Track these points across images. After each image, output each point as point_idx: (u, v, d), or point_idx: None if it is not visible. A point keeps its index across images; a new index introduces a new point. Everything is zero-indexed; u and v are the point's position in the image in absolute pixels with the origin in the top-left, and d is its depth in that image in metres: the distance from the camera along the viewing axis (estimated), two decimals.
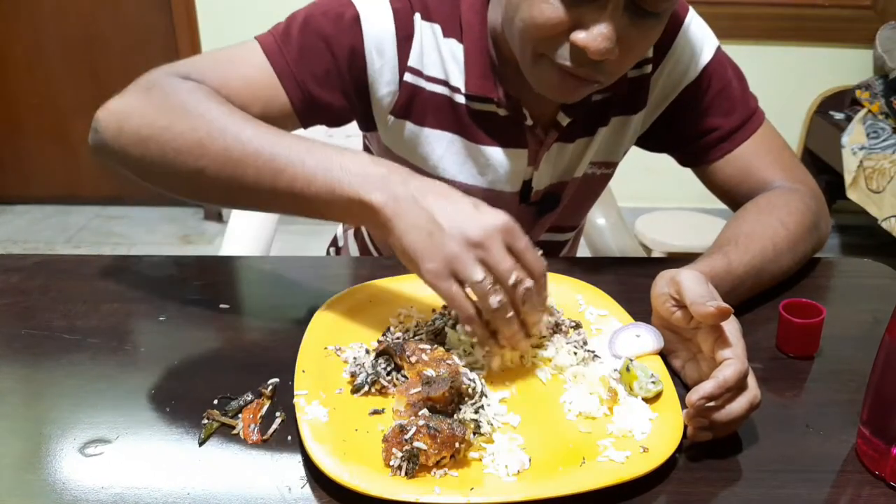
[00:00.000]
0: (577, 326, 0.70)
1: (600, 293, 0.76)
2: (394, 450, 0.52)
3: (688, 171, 0.95)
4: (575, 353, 0.66)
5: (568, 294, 0.76)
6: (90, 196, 3.01)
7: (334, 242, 1.23)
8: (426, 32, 0.80)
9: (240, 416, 0.59)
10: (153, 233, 2.84)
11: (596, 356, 0.66)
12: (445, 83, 0.82)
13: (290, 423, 0.58)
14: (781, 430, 0.61)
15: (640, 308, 0.72)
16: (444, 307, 0.69)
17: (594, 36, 0.66)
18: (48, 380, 0.64)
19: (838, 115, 2.77)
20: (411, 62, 0.81)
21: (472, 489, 0.51)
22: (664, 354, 0.67)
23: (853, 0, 2.70)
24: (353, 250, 1.12)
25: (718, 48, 0.88)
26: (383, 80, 0.81)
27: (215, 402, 0.61)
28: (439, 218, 0.59)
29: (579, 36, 0.67)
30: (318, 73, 0.78)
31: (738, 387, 0.56)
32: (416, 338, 0.66)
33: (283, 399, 0.61)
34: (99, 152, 0.73)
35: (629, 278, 0.85)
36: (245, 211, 1.20)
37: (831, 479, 0.56)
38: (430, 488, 0.50)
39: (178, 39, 2.73)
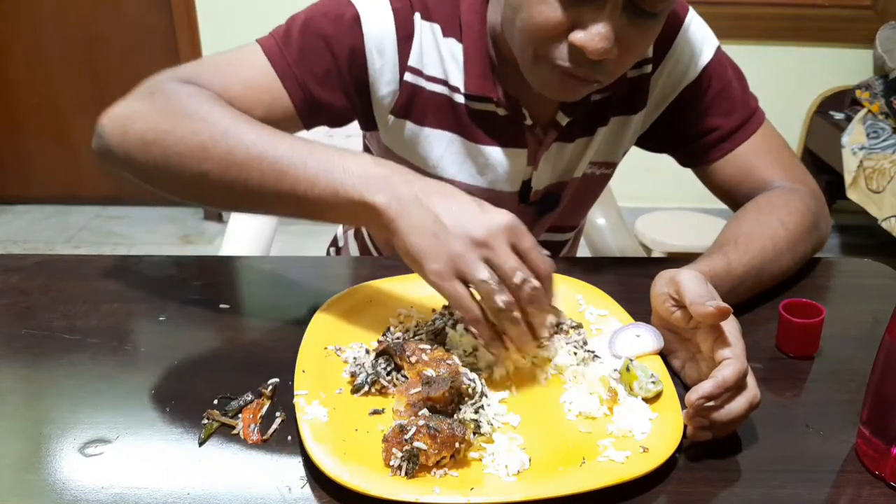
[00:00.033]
0: (578, 326, 0.70)
1: (600, 293, 0.76)
2: (394, 450, 0.52)
3: (688, 171, 0.95)
4: (575, 353, 0.66)
5: (568, 294, 0.76)
6: (90, 196, 3.01)
7: (334, 242, 1.23)
8: (426, 32, 0.80)
9: (240, 416, 0.59)
10: (153, 233, 2.84)
11: (596, 356, 0.66)
12: (445, 83, 0.82)
13: (290, 423, 0.58)
14: (781, 430, 0.61)
15: (640, 308, 0.72)
16: (445, 307, 0.69)
17: (592, 36, 0.67)
18: (48, 380, 0.64)
19: (838, 115, 2.77)
20: (411, 62, 0.81)
21: (472, 489, 0.51)
22: (664, 354, 0.67)
23: (853, 0, 2.70)
24: (353, 250, 1.12)
25: (718, 48, 0.88)
26: (384, 79, 0.81)
27: (215, 402, 0.61)
28: (443, 218, 0.59)
29: (577, 36, 0.67)
30: (319, 73, 0.78)
31: (738, 386, 0.56)
32: (416, 338, 0.66)
33: (283, 399, 0.61)
34: (103, 157, 0.72)
35: (629, 278, 0.85)
36: (248, 214, 1.20)
37: (831, 479, 0.56)
38: (430, 488, 0.50)
39: (178, 39, 2.73)
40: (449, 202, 0.60)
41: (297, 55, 0.77)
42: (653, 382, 0.61)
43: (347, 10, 0.78)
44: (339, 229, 1.21)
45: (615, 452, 0.55)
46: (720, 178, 0.90)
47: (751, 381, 0.58)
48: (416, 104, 0.83)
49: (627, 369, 0.62)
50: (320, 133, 0.86)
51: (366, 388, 0.61)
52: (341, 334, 0.68)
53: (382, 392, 0.61)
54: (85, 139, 3.00)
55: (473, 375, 0.60)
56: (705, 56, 0.87)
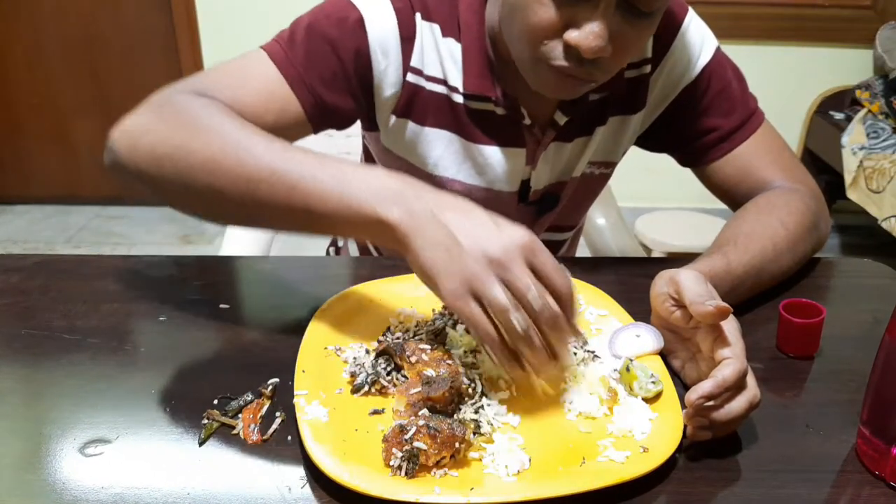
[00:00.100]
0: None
1: (600, 293, 0.76)
2: (394, 450, 0.52)
3: (688, 171, 0.95)
4: (575, 353, 0.66)
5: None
6: (90, 196, 3.01)
7: (334, 242, 1.23)
8: (426, 32, 0.80)
9: (240, 416, 0.59)
10: (153, 233, 2.84)
11: (596, 356, 0.66)
12: (444, 82, 0.82)
13: (290, 423, 0.58)
14: (781, 430, 0.61)
15: (640, 308, 0.72)
16: (445, 307, 0.69)
17: (586, 34, 0.67)
18: (48, 380, 0.64)
19: (838, 115, 2.78)
20: (413, 62, 0.81)
21: (472, 489, 0.51)
22: (664, 354, 0.67)
23: (853, 0, 2.70)
24: (353, 250, 1.12)
25: (718, 49, 0.88)
26: (388, 80, 0.81)
27: (215, 402, 0.61)
28: (458, 234, 0.56)
29: (572, 35, 0.68)
30: (327, 77, 0.77)
31: (738, 386, 0.56)
32: (416, 338, 0.66)
33: (283, 399, 0.61)
34: (114, 171, 0.71)
35: (629, 278, 0.85)
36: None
37: (831, 479, 0.56)
38: (430, 488, 0.50)
39: (178, 39, 2.74)
40: (463, 217, 0.58)
41: (303, 60, 0.76)
42: (653, 382, 0.61)
43: (351, 12, 0.78)
44: None
45: (615, 452, 0.55)
46: (720, 178, 0.90)
47: (751, 380, 0.58)
48: (417, 104, 0.83)
49: (627, 369, 0.62)
50: (321, 133, 0.85)
51: (366, 388, 0.61)
52: (341, 334, 0.68)
53: (382, 392, 0.61)
54: (85, 139, 3.02)
55: (473, 375, 0.61)
56: (704, 56, 0.87)
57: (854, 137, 2.55)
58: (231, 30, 2.70)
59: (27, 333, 0.70)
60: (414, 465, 0.52)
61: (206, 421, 0.59)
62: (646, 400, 0.61)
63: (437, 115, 0.84)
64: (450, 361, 0.61)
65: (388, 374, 0.62)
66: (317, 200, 0.61)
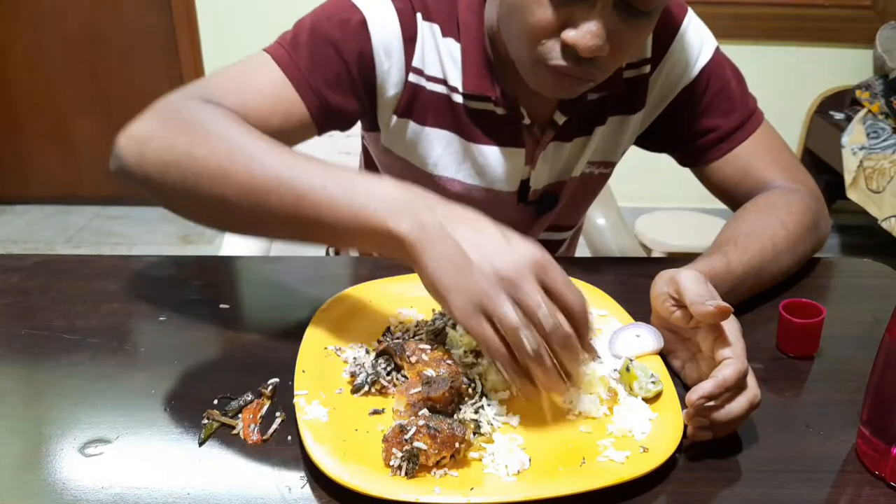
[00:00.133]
0: None
1: (600, 293, 0.76)
2: (394, 450, 0.52)
3: (688, 171, 0.95)
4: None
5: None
6: (90, 196, 3.01)
7: None
8: (427, 33, 0.80)
9: (240, 416, 0.59)
10: (153, 233, 2.84)
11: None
12: (444, 82, 0.82)
13: (290, 423, 0.58)
14: (781, 430, 0.61)
15: (640, 308, 0.72)
16: None
17: (583, 34, 0.67)
18: (48, 380, 0.64)
19: (838, 115, 2.78)
20: (415, 62, 0.81)
21: (472, 489, 0.51)
22: (663, 354, 0.67)
23: (853, 0, 2.70)
24: (353, 250, 1.12)
25: (717, 49, 0.88)
26: (391, 81, 0.81)
27: (215, 402, 0.61)
28: (468, 250, 0.55)
29: (569, 34, 0.68)
30: (331, 79, 0.77)
31: (738, 386, 0.56)
32: (416, 338, 0.66)
33: (283, 399, 0.61)
34: (121, 177, 0.70)
35: (629, 278, 0.85)
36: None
37: (831, 479, 0.56)
38: (430, 488, 0.50)
39: (178, 39, 2.74)
40: (473, 231, 0.56)
41: (308, 62, 0.76)
42: (653, 382, 0.61)
43: (353, 13, 0.78)
44: None
45: (615, 452, 0.55)
46: (719, 178, 0.90)
47: (751, 380, 0.58)
48: (418, 104, 0.83)
49: (627, 369, 0.62)
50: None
51: (366, 388, 0.61)
52: (341, 334, 0.67)
53: (382, 392, 0.61)
54: (85, 139, 3.02)
55: (473, 375, 0.61)
56: (703, 57, 0.87)
57: (854, 137, 2.55)
58: (231, 30, 2.70)
59: (27, 333, 0.70)
60: (414, 465, 0.52)
61: (206, 421, 0.59)
62: (646, 400, 0.61)
63: (438, 115, 0.84)
64: (450, 361, 0.61)
65: (388, 374, 0.62)
66: (326, 211, 0.60)
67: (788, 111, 2.84)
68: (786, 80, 2.80)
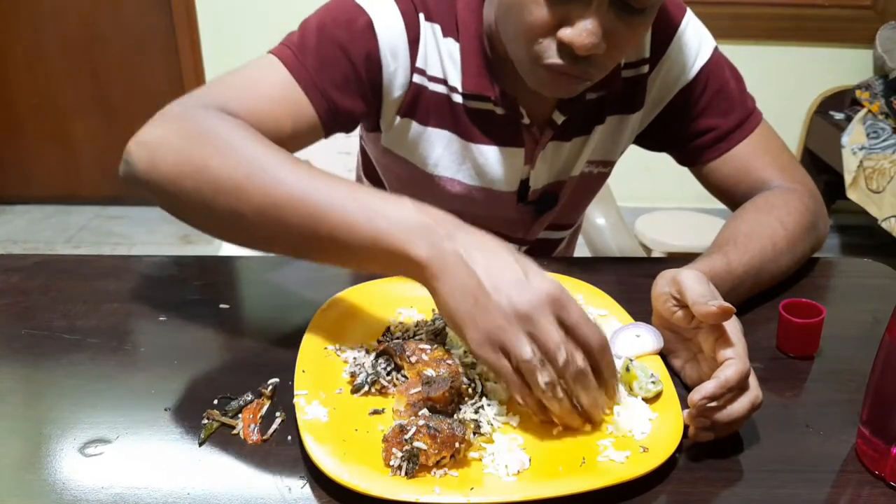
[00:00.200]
0: None
1: (600, 293, 0.76)
2: (394, 450, 0.52)
3: (688, 171, 0.95)
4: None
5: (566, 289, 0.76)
6: (90, 196, 3.01)
7: None
8: (428, 33, 0.80)
9: (240, 416, 0.59)
10: (153, 233, 2.84)
11: None
12: (444, 82, 0.82)
13: (290, 423, 0.58)
14: (781, 430, 0.61)
15: (640, 308, 0.72)
16: None
17: (579, 32, 0.67)
18: (48, 380, 0.64)
19: (838, 115, 2.78)
20: (418, 63, 0.81)
21: (472, 489, 0.51)
22: (664, 354, 0.67)
23: (853, 0, 2.70)
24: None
25: (715, 49, 0.88)
26: (397, 82, 0.81)
27: (215, 402, 0.61)
28: (485, 282, 0.55)
29: (565, 33, 0.68)
30: (339, 81, 0.77)
31: (740, 387, 0.56)
32: (416, 338, 0.66)
33: (283, 399, 0.61)
34: (129, 183, 0.69)
35: (629, 278, 0.85)
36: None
37: (831, 479, 0.56)
38: (430, 488, 0.50)
39: (178, 39, 2.74)
40: (491, 262, 0.56)
41: (316, 65, 0.76)
42: (653, 382, 0.61)
43: (359, 15, 0.78)
44: None
45: (615, 452, 0.55)
46: (718, 177, 0.90)
47: (753, 381, 0.58)
48: (421, 104, 0.83)
49: (627, 369, 0.62)
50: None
51: (366, 388, 0.61)
52: (341, 334, 0.67)
53: (382, 392, 0.61)
54: (85, 139, 3.01)
55: (473, 375, 0.61)
56: (702, 58, 0.87)
57: (854, 137, 2.55)
58: (231, 30, 2.70)
59: (27, 333, 0.70)
60: (414, 465, 0.52)
61: (206, 421, 0.58)
62: (646, 400, 0.61)
63: (438, 115, 0.84)
64: (450, 361, 0.61)
65: (388, 374, 0.62)
66: (344, 232, 0.60)
67: (788, 111, 2.84)
68: (786, 80, 2.80)
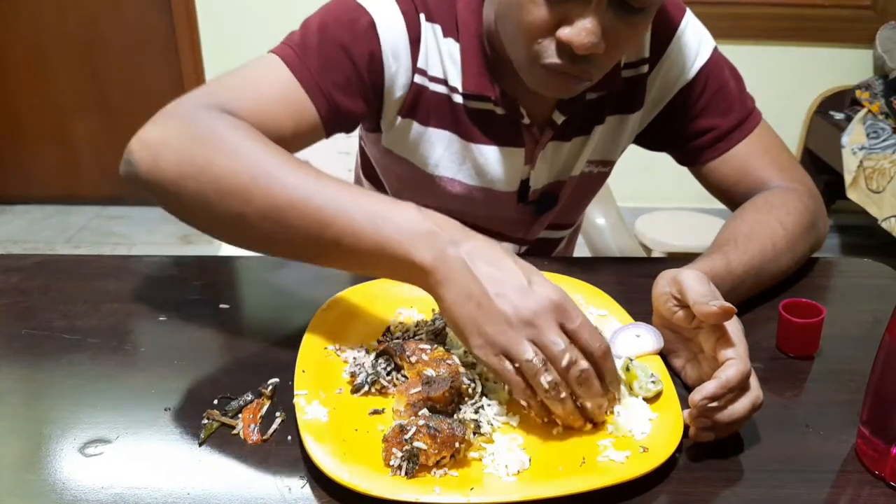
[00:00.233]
0: None
1: (600, 293, 0.76)
2: (394, 450, 0.52)
3: (688, 171, 0.95)
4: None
5: (568, 294, 0.76)
6: (90, 196, 3.00)
7: None
8: (429, 33, 0.80)
9: (240, 416, 0.59)
10: (153, 233, 2.84)
11: None
12: (445, 83, 0.82)
13: (290, 423, 0.58)
14: (781, 430, 0.61)
15: (640, 308, 0.72)
16: None
17: (578, 31, 0.67)
18: (48, 380, 0.64)
19: (838, 115, 2.78)
20: (419, 63, 0.81)
21: (472, 489, 0.51)
22: (664, 354, 0.67)
23: (853, 0, 2.70)
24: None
25: (715, 49, 0.88)
26: (398, 83, 0.81)
27: (215, 402, 0.61)
28: (489, 289, 0.55)
29: (564, 32, 0.68)
30: (341, 82, 0.77)
31: (741, 387, 0.56)
32: (416, 338, 0.66)
33: (283, 399, 0.61)
34: (130, 182, 0.69)
35: (629, 278, 0.85)
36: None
37: (831, 479, 0.56)
38: (430, 488, 0.50)
39: (178, 39, 2.74)
40: (496, 271, 0.56)
41: (318, 65, 0.75)
42: (653, 382, 0.61)
43: (361, 15, 0.77)
44: None
45: (615, 452, 0.55)
46: (717, 177, 0.90)
47: (753, 381, 0.58)
48: (422, 104, 0.83)
49: (627, 369, 0.62)
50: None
51: (366, 388, 0.61)
52: (341, 334, 0.67)
53: (382, 392, 0.61)
54: (85, 139, 3.01)
55: (473, 375, 0.61)
56: (701, 58, 0.87)
57: (854, 137, 2.55)
58: (231, 30, 2.70)
59: (27, 333, 0.70)
60: (414, 465, 0.52)
61: (206, 421, 0.58)
62: (646, 400, 0.61)
63: (439, 116, 0.84)
64: (450, 361, 0.61)
65: (388, 374, 0.62)
66: (349, 237, 0.60)
67: (788, 111, 2.84)
68: (786, 80, 2.80)
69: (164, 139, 0.66)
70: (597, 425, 0.58)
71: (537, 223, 0.96)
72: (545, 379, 0.54)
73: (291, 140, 0.74)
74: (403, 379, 0.61)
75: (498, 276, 0.56)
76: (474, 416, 0.57)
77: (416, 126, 0.85)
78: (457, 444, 0.53)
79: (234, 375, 0.64)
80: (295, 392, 0.59)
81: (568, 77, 0.72)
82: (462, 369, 0.60)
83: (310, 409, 0.57)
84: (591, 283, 0.78)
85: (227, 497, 0.52)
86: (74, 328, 0.71)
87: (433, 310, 0.70)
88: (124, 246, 2.76)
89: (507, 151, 0.86)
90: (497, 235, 0.93)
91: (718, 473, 0.56)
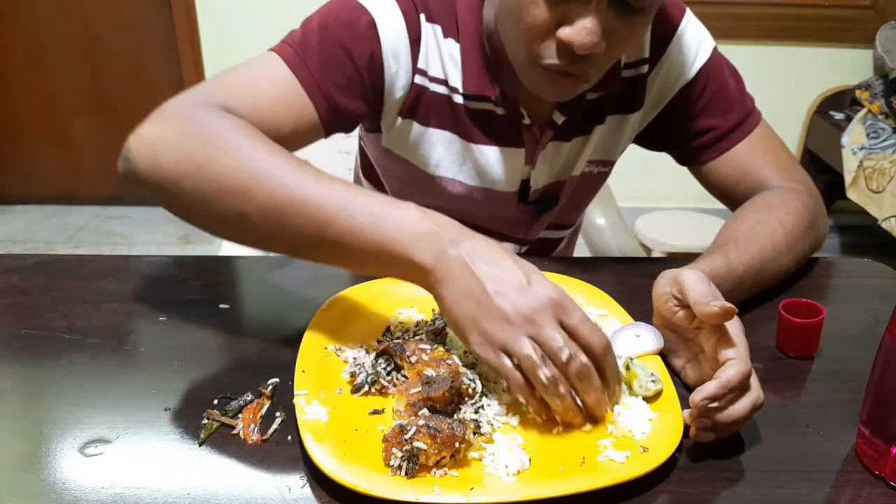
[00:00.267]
0: None
1: (600, 293, 0.76)
2: (394, 450, 0.52)
3: (688, 171, 0.95)
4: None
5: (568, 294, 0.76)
6: (90, 196, 3.01)
7: None
8: (429, 34, 0.80)
9: (240, 416, 0.59)
10: (153, 233, 2.84)
11: None
12: (445, 83, 0.82)
13: (290, 423, 0.58)
14: (781, 430, 0.61)
15: (640, 308, 0.72)
16: None
17: (579, 31, 0.67)
18: (48, 380, 0.64)
19: (838, 115, 2.78)
20: (420, 64, 0.81)
21: (472, 489, 0.51)
22: (665, 355, 0.67)
23: (853, 0, 2.70)
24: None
25: (715, 49, 0.88)
26: (399, 83, 0.81)
27: (215, 402, 0.61)
28: (489, 287, 0.56)
29: (564, 32, 0.68)
30: (341, 82, 0.77)
31: (742, 387, 0.56)
32: (416, 338, 0.66)
33: (283, 399, 0.61)
34: (128, 180, 0.68)
35: (629, 278, 0.85)
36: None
37: (831, 479, 0.56)
38: (430, 488, 0.50)
39: (178, 39, 2.74)
40: (495, 270, 0.57)
41: (319, 65, 0.75)
42: (652, 381, 0.61)
43: (361, 15, 0.77)
44: None
45: (615, 452, 0.55)
46: (717, 177, 0.90)
47: (754, 381, 0.58)
48: (422, 105, 0.83)
49: (627, 368, 0.62)
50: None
51: (366, 388, 0.61)
52: (341, 334, 0.67)
53: (382, 392, 0.61)
54: (85, 139, 3.01)
55: (473, 375, 0.61)
56: (701, 58, 0.87)
57: (854, 137, 2.55)
58: (231, 30, 2.70)
59: (27, 333, 0.70)
60: (414, 465, 0.52)
61: (206, 421, 0.58)
62: (646, 399, 0.61)
63: (439, 116, 0.84)
64: (450, 361, 0.61)
65: (388, 374, 0.62)
66: (349, 236, 0.60)
67: (788, 111, 2.84)
68: (786, 80, 2.80)
69: (163, 137, 0.66)
70: (597, 423, 0.58)
71: (538, 223, 0.96)
72: (543, 374, 0.55)
73: (290, 139, 0.74)
74: (403, 379, 0.61)
75: (497, 274, 0.57)
76: (474, 416, 0.57)
77: (416, 126, 0.85)
78: (457, 444, 0.53)
79: (234, 375, 0.64)
80: (295, 392, 0.59)
81: (567, 78, 0.72)
82: (462, 369, 0.60)
83: (310, 409, 0.57)
84: (591, 283, 0.78)
85: (227, 497, 0.52)
86: (74, 328, 0.71)
87: (433, 310, 0.70)
88: (124, 246, 2.76)
89: (507, 152, 0.86)
90: (497, 235, 0.93)
91: (718, 473, 0.56)
